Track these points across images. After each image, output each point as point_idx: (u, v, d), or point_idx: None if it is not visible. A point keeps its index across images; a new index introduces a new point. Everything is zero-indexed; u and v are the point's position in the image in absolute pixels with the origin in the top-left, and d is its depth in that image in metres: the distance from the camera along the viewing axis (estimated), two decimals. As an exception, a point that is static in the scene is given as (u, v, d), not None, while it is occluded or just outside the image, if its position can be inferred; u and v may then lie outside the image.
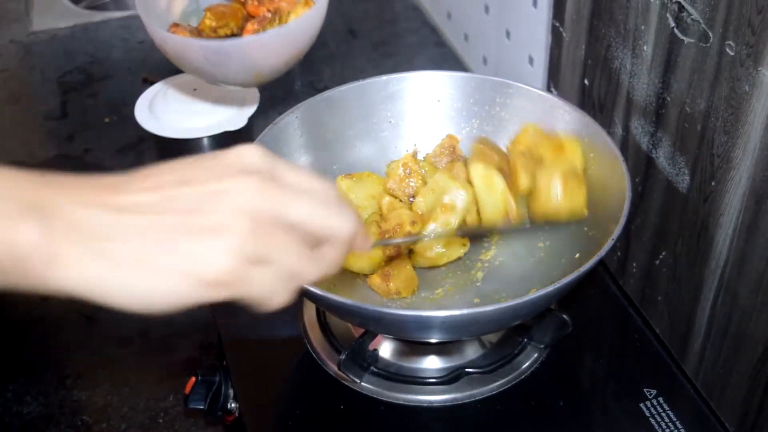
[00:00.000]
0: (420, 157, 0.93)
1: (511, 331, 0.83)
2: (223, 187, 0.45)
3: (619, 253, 0.93)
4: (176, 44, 0.92)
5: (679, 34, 0.73)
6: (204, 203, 0.45)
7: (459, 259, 0.86)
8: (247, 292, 0.47)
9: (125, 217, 0.44)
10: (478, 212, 0.83)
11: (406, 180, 0.87)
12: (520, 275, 0.83)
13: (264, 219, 0.46)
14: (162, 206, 0.44)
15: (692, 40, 0.72)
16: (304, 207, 0.47)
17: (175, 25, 0.98)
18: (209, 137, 1.12)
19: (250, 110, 1.14)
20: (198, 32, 0.97)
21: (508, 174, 0.83)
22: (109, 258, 0.43)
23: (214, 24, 0.96)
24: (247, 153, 0.47)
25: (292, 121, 0.88)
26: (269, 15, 0.97)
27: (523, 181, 0.81)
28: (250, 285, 0.46)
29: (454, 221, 0.81)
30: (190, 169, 0.47)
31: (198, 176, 0.46)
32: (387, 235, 0.81)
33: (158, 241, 0.44)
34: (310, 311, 0.88)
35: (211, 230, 0.44)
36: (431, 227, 0.81)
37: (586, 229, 0.81)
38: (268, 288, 0.47)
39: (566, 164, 0.81)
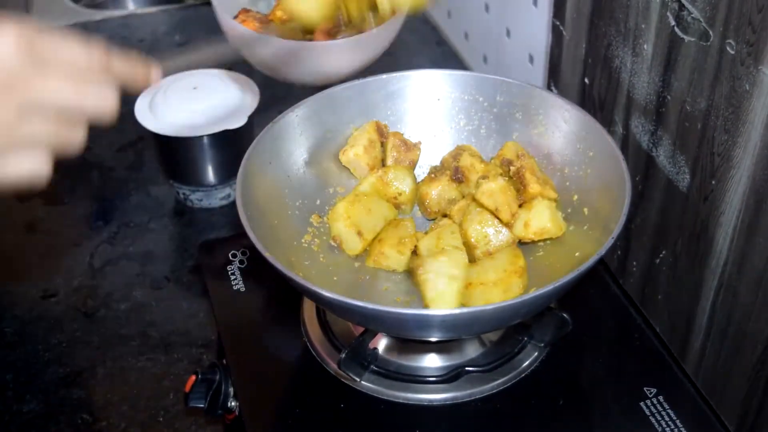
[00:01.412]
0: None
1: (511, 330, 0.83)
2: None
3: (619, 252, 0.93)
4: (247, 36, 0.91)
5: (680, 33, 0.73)
6: None
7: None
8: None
9: None
10: None
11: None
12: (520, 274, 0.83)
13: (7, 117, 0.47)
14: None
15: (693, 39, 0.72)
16: (54, 99, 0.48)
17: (244, 10, 0.96)
18: (209, 136, 1.12)
19: (251, 108, 1.14)
20: (267, 21, 0.95)
21: None
22: None
23: (285, 17, 0.94)
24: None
25: (292, 120, 0.88)
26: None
27: None
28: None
29: None
30: None
31: None
32: None
33: None
34: (310, 310, 0.87)
35: None
36: None
37: (586, 227, 0.81)
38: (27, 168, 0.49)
39: None
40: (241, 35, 0.91)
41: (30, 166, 0.50)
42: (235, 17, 0.95)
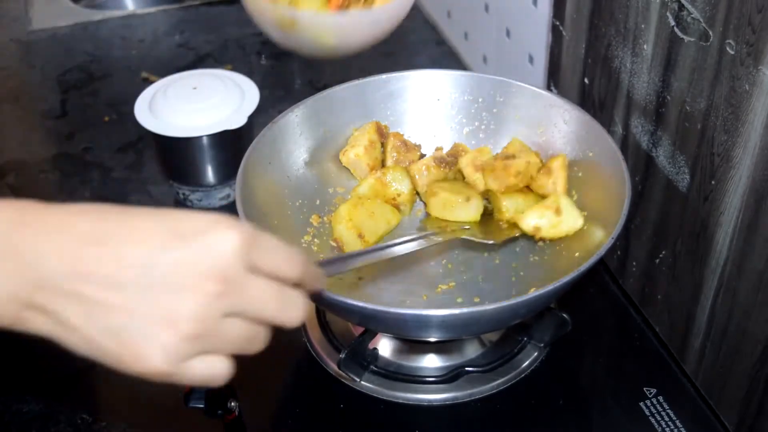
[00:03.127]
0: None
1: (511, 330, 0.83)
2: (175, 300, 0.46)
3: (618, 252, 0.93)
4: (254, 3, 0.91)
5: (680, 33, 0.73)
6: (153, 307, 0.46)
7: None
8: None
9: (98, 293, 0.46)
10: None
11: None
12: (520, 274, 0.83)
13: (213, 320, 0.47)
14: (124, 292, 0.46)
15: (692, 39, 0.72)
16: (258, 308, 0.49)
17: None
18: (209, 136, 1.12)
19: (250, 109, 1.14)
20: None
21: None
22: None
23: None
24: (219, 248, 0.46)
25: (291, 120, 0.88)
26: None
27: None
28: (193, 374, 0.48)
29: None
30: (160, 255, 0.46)
31: (160, 272, 0.46)
32: None
33: (107, 325, 0.47)
34: (309, 310, 0.88)
35: (156, 323, 0.46)
36: None
37: (586, 227, 0.81)
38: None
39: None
40: (249, 2, 0.91)
41: (213, 369, 0.49)
42: None
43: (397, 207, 0.88)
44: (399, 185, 0.88)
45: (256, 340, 0.50)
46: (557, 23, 0.96)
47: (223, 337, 0.48)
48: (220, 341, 0.48)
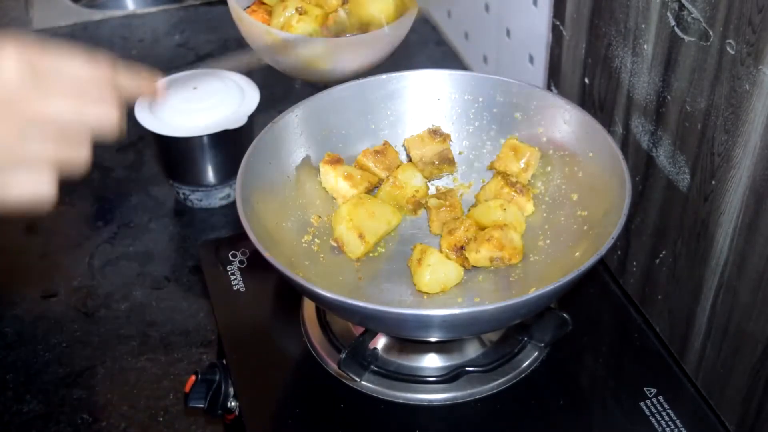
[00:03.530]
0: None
1: (511, 330, 0.83)
2: None
3: (619, 252, 0.93)
4: (250, 25, 0.93)
5: (680, 33, 0.73)
6: None
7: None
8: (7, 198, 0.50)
9: None
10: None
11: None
12: (520, 274, 0.83)
13: (11, 131, 0.48)
14: None
15: (693, 39, 0.72)
16: (56, 110, 0.50)
17: (259, 2, 0.99)
18: (209, 136, 1.12)
19: (250, 109, 1.14)
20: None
21: None
22: None
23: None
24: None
25: (292, 120, 0.88)
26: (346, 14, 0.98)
27: None
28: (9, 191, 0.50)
29: None
30: None
31: None
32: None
33: None
34: (310, 310, 0.88)
35: None
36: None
37: (586, 227, 0.81)
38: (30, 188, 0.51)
39: None
40: (245, 23, 0.92)
41: (33, 186, 0.51)
42: (248, 8, 0.97)
43: (417, 202, 0.89)
44: (414, 181, 0.88)
45: (72, 155, 0.52)
46: (557, 23, 0.96)
47: (29, 153, 0.49)
48: (27, 157, 0.49)
